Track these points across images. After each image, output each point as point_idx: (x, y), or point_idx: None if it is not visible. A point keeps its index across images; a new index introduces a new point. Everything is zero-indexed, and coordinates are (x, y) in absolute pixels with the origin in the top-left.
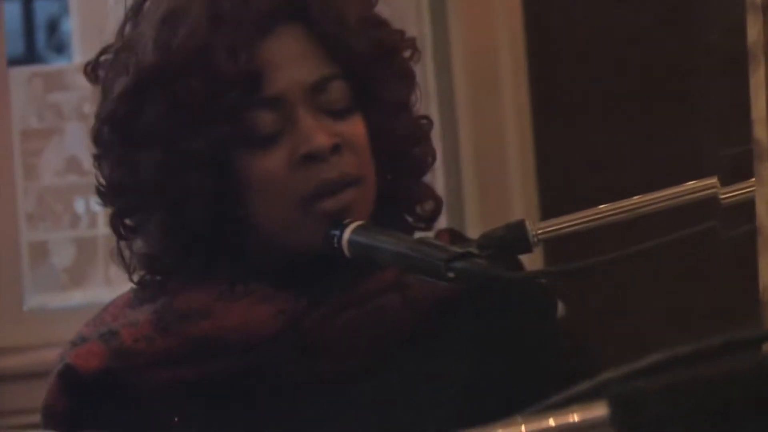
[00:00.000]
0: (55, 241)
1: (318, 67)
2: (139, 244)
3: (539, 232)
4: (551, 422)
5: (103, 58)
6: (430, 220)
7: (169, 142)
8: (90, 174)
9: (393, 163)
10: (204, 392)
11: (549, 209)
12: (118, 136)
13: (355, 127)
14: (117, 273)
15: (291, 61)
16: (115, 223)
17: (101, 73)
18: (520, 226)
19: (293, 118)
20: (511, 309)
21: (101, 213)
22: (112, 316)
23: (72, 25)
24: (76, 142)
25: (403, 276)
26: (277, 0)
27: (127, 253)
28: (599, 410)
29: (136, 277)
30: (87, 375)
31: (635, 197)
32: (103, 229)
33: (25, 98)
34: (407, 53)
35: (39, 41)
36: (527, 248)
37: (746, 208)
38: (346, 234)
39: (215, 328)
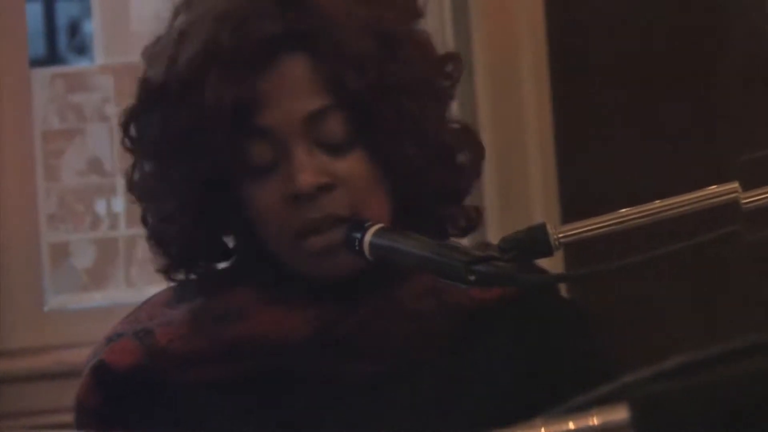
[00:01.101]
0: (76, 242)
1: (316, 98)
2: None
3: (560, 235)
4: (571, 425)
5: (150, 50)
6: (465, 232)
7: (166, 165)
8: (111, 176)
9: (412, 191)
10: (235, 393)
11: (570, 213)
12: (130, 142)
13: (353, 164)
14: (138, 274)
15: (287, 92)
16: (144, 217)
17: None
18: (541, 229)
19: (287, 151)
20: (549, 320)
21: (122, 214)
22: (148, 315)
23: (94, 27)
24: (98, 143)
25: (439, 282)
26: (277, 29)
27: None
28: (619, 414)
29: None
30: (120, 371)
31: (657, 201)
32: (124, 230)
33: (47, 99)
34: (447, 68)
35: (60, 42)
36: (548, 251)
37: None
38: (368, 236)
39: (250, 330)
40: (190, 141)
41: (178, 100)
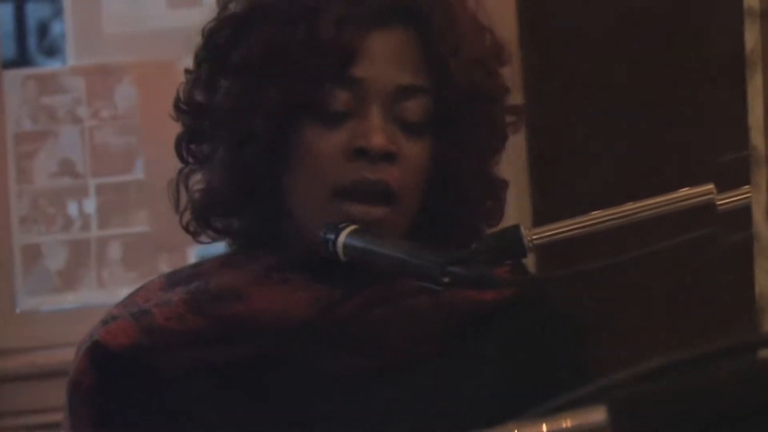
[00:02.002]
0: (48, 244)
1: (412, 74)
2: (197, 181)
3: (534, 237)
4: (544, 428)
5: None
6: None
7: (250, 81)
8: (83, 177)
9: (448, 202)
10: (229, 377)
11: (542, 215)
12: (210, 56)
13: (418, 149)
14: (109, 275)
15: (390, 58)
16: (180, 145)
17: None
18: (515, 231)
19: (365, 109)
20: (542, 325)
21: (94, 216)
22: (143, 299)
23: (65, 28)
24: (70, 144)
25: None
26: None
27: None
28: (597, 416)
29: (184, 222)
30: (115, 351)
31: (631, 203)
32: (95, 231)
33: (19, 101)
34: (510, 118)
35: (30, 44)
36: (522, 253)
37: (743, 214)
38: (341, 237)
39: (248, 310)
40: (286, 66)
41: (286, 23)
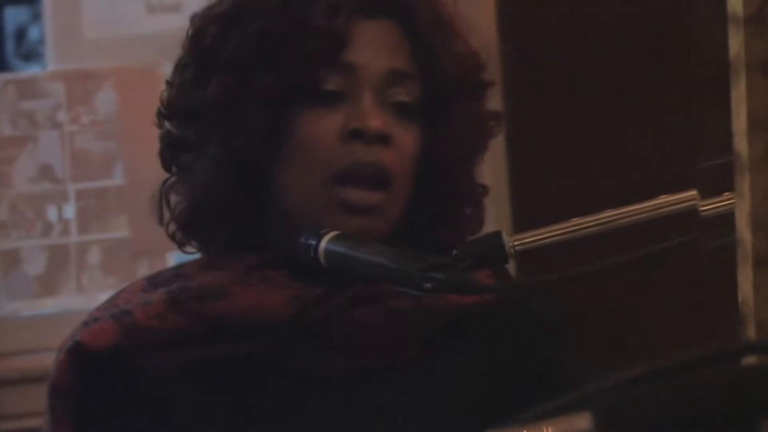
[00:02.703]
0: (28, 249)
1: (402, 61)
2: (181, 192)
3: (516, 243)
4: None
5: None
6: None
7: (243, 70)
8: (62, 182)
9: (436, 190)
10: (211, 375)
11: (522, 222)
12: (197, 56)
13: (409, 134)
14: (89, 281)
15: (380, 45)
16: (164, 153)
17: None
18: (496, 237)
19: (358, 93)
20: (523, 329)
21: (73, 221)
22: (124, 300)
23: (45, 33)
24: (50, 149)
25: None
26: None
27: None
28: (583, 422)
29: (170, 232)
30: (97, 352)
31: (612, 210)
32: (75, 236)
33: None
34: (491, 122)
35: (8, 49)
36: (504, 259)
37: (726, 220)
38: (323, 243)
39: (230, 309)
40: (278, 54)
41: (277, 15)
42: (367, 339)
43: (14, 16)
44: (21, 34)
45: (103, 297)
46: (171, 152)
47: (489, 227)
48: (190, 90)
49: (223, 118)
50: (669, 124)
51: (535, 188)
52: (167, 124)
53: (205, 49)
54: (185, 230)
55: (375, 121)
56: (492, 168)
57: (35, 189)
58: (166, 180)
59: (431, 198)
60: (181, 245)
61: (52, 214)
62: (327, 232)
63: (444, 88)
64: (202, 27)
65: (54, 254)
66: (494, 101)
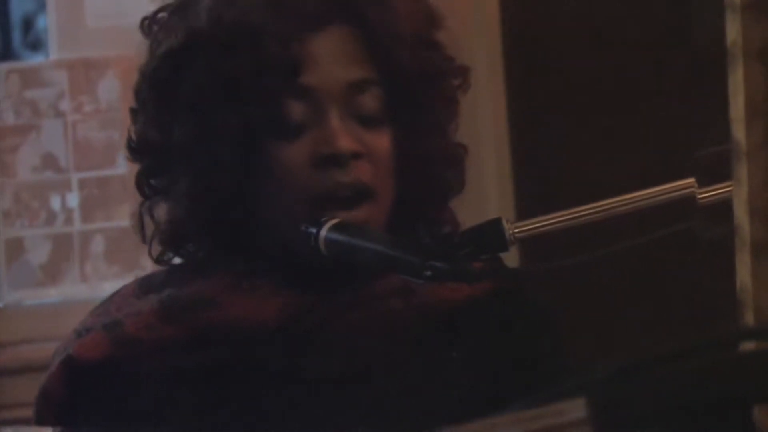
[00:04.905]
0: (31, 238)
1: (360, 70)
2: (161, 211)
3: (516, 230)
4: (524, 423)
5: (160, 15)
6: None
7: (204, 112)
8: (66, 171)
9: (420, 182)
10: (201, 383)
11: (525, 211)
12: (155, 95)
13: (381, 140)
14: (93, 270)
15: (335, 58)
16: (140, 181)
17: (154, 28)
18: (496, 224)
19: (322, 115)
20: (516, 320)
21: (77, 210)
22: (116, 307)
23: (48, 22)
24: (53, 138)
25: (409, 282)
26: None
27: (147, 222)
28: (577, 410)
29: (154, 253)
30: (88, 365)
31: (612, 197)
32: (78, 225)
33: (2, 94)
34: (457, 81)
35: (15, 38)
36: (503, 247)
37: (724, 208)
38: (323, 232)
39: (220, 318)
40: (235, 90)
41: (226, 49)
42: (360, 342)
43: (20, 5)
44: (28, 23)
45: (106, 286)
46: (145, 180)
47: (492, 215)
48: (155, 128)
49: (191, 157)
50: (671, 111)
51: (539, 177)
52: (137, 158)
53: (161, 85)
54: (170, 247)
55: (344, 142)
56: (496, 157)
57: (38, 178)
58: (143, 202)
59: (416, 183)
60: (165, 263)
61: (55, 203)
62: (327, 221)
63: (406, 83)
64: (155, 64)
65: (57, 243)
66: (497, 91)
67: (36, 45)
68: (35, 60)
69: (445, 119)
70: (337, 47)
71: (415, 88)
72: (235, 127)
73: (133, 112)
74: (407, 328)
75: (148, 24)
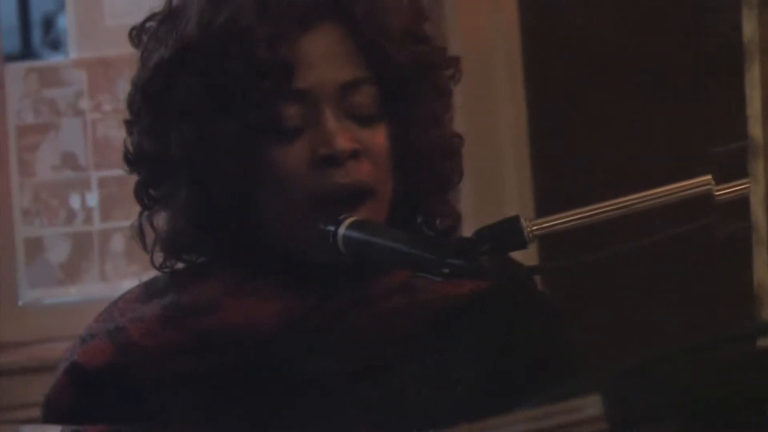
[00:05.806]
0: (51, 237)
1: (352, 69)
2: (162, 220)
3: (534, 228)
4: (544, 418)
5: (148, 24)
6: (445, 235)
7: (198, 120)
8: (85, 170)
9: (418, 176)
10: (205, 387)
11: (543, 208)
12: (149, 105)
13: (377, 137)
14: (112, 268)
15: (326, 58)
16: (139, 192)
17: (144, 38)
18: (514, 221)
19: (317, 116)
20: (520, 316)
21: (96, 209)
22: (120, 311)
23: (67, 21)
24: (72, 137)
25: (411, 279)
26: None
27: (147, 229)
28: (593, 407)
29: (156, 261)
30: (93, 372)
31: (630, 194)
32: (98, 224)
33: (21, 94)
34: (449, 72)
35: (35, 38)
36: (522, 244)
37: (741, 205)
38: (342, 229)
39: (222, 323)
40: (229, 96)
41: (218, 56)
42: (363, 341)
43: (40, 4)
44: (48, 23)
45: (125, 284)
46: (144, 190)
47: (511, 212)
48: (151, 138)
49: (188, 165)
50: (688, 108)
51: (558, 175)
52: (135, 169)
53: (155, 96)
54: (171, 255)
55: (341, 141)
56: (515, 155)
57: (58, 177)
58: (142, 212)
59: (415, 177)
60: (164, 268)
61: (74, 201)
62: (346, 218)
63: (399, 79)
64: (147, 75)
65: (77, 242)
66: (516, 89)
67: (56, 44)
68: (55, 59)
69: (440, 111)
70: (327, 46)
71: (408, 81)
72: (231, 133)
73: (128, 123)
74: (411, 325)
75: (137, 34)
